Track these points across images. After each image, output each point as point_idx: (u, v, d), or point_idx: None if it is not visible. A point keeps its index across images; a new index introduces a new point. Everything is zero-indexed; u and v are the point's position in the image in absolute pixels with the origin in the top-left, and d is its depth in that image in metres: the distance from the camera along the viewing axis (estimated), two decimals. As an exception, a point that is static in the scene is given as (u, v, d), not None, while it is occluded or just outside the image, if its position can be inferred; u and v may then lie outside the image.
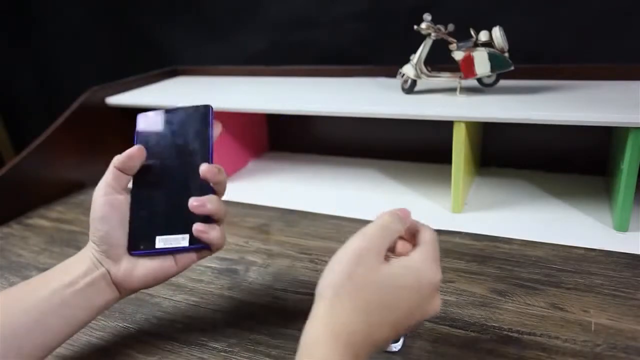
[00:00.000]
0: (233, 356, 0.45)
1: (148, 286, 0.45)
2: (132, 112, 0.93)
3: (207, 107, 0.48)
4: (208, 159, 0.46)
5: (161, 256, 0.45)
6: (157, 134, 0.48)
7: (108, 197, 0.44)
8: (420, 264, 0.36)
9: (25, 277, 0.60)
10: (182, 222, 0.45)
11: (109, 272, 0.43)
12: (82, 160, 0.89)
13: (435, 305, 0.36)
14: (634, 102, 0.62)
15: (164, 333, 0.48)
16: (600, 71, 0.77)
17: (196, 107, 0.48)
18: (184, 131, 0.48)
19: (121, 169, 0.45)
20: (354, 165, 0.93)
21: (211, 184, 0.45)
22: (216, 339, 0.47)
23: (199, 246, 0.44)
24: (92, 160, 0.91)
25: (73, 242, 0.69)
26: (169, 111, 0.49)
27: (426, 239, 0.39)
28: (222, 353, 0.45)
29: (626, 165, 0.58)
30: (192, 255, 0.45)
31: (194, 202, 0.43)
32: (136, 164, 0.45)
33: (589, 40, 0.82)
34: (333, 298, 0.34)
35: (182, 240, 0.45)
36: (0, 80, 1.55)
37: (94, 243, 0.44)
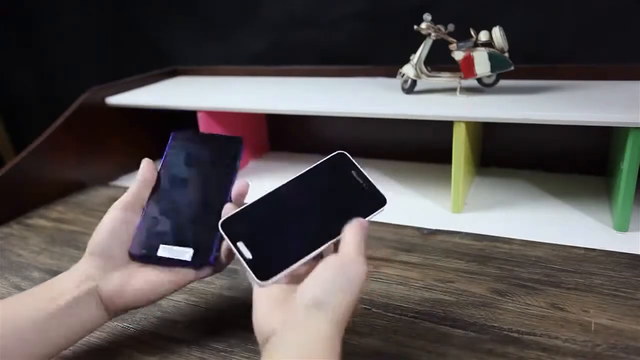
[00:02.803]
0: (233, 356, 0.45)
1: (139, 304, 0.44)
2: (132, 112, 0.94)
3: (238, 140, 0.50)
4: (227, 190, 0.47)
5: (157, 271, 0.44)
6: (185, 152, 0.49)
7: (126, 214, 0.44)
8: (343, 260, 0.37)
9: (25, 277, 0.60)
10: (189, 236, 0.45)
11: (97, 287, 0.42)
12: (82, 160, 0.89)
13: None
14: (634, 102, 0.62)
15: (164, 333, 0.48)
16: (600, 71, 0.77)
17: (229, 138, 0.50)
18: (212, 157, 0.49)
19: (145, 180, 0.46)
20: (354, 165, 0.92)
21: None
22: (216, 339, 0.47)
23: (200, 263, 0.45)
24: (92, 160, 0.91)
25: (73, 242, 0.69)
26: (202, 135, 0.52)
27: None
28: (222, 353, 0.45)
29: (626, 165, 0.58)
30: (190, 274, 0.45)
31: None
32: (153, 174, 0.47)
33: (589, 40, 0.82)
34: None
35: (185, 254, 0.44)
36: (0, 80, 1.55)
37: (91, 254, 0.43)
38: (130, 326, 0.50)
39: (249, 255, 0.39)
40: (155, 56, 1.22)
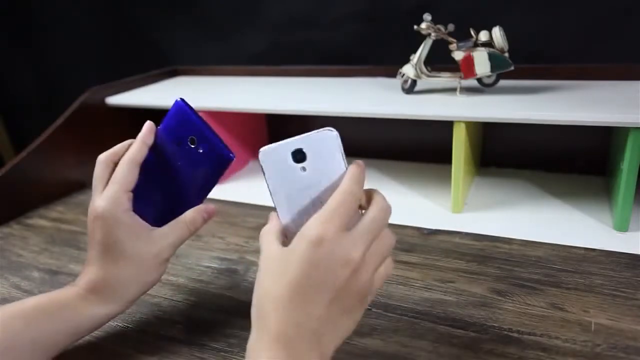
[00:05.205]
0: (233, 356, 0.45)
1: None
2: (132, 112, 0.94)
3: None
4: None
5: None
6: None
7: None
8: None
9: (26, 277, 0.60)
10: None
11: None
12: (82, 160, 0.89)
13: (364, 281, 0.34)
14: (634, 102, 0.62)
15: (164, 333, 0.48)
16: (600, 71, 0.77)
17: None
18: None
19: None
20: (354, 165, 0.92)
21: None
22: (216, 339, 0.47)
23: None
24: (92, 160, 0.90)
25: (73, 242, 0.69)
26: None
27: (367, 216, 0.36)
28: (222, 353, 0.45)
29: (626, 165, 0.58)
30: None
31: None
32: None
33: (589, 40, 0.82)
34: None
35: None
36: (0, 80, 1.55)
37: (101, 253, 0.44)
38: (130, 326, 0.50)
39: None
40: (155, 56, 1.22)
